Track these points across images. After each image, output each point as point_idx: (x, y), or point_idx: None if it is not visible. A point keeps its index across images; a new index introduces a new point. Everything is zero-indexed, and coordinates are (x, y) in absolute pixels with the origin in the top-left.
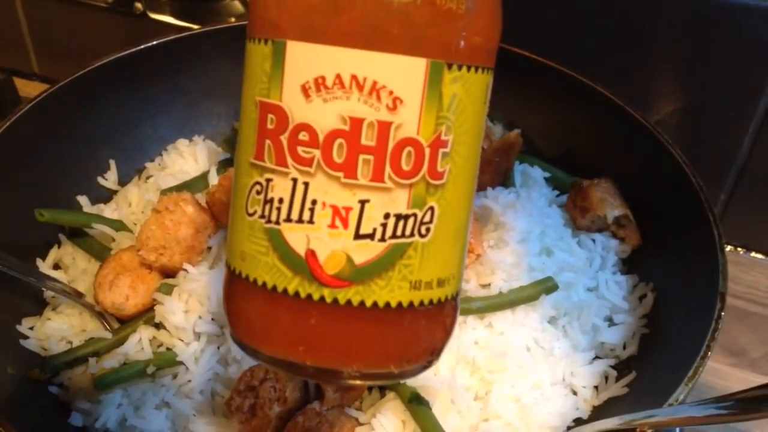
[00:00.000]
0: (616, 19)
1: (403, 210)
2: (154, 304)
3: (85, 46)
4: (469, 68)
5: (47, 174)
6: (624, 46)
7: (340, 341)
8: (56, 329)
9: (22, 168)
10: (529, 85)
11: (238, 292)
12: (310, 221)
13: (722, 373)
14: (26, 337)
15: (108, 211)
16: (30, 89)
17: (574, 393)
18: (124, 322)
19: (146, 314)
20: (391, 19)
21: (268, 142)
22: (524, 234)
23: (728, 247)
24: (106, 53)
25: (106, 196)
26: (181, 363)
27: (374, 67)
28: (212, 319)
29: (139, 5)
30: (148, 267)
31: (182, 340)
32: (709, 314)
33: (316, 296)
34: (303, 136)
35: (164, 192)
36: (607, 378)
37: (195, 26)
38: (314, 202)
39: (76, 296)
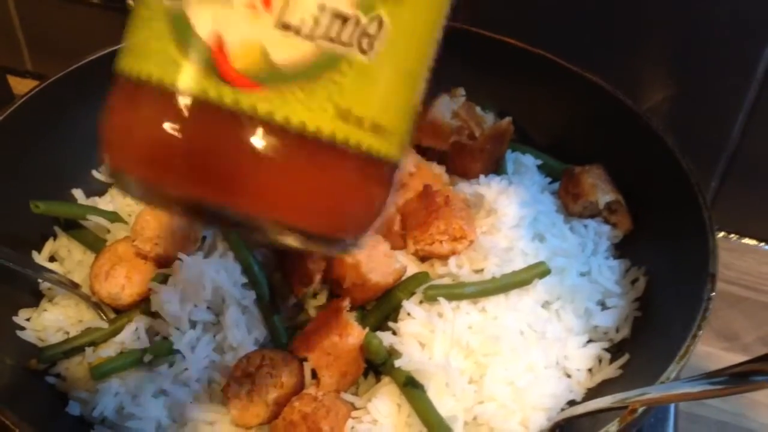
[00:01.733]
0: (607, 7)
1: (344, 6)
2: (149, 293)
3: (78, 43)
4: None
5: (41, 168)
6: (614, 34)
7: (238, 163)
8: (53, 320)
9: (15, 162)
10: (520, 74)
11: (123, 98)
12: None
13: (715, 358)
14: (23, 328)
15: (103, 203)
16: (23, 87)
17: (568, 376)
18: (120, 312)
19: (142, 304)
20: None
21: None
22: (517, 220)
23: (720, 234)
24: (100, 50)
25: (100, 189)
26: (177, 351)
27: None
28: (207, 307)
29: (131, 1)
30: (143, 257)
31: (178, 329)
32: (700, 295)
33: (212, 93)
34: None
35: None
36: (600, 361)
37: None
38: None
39: (72, 287)
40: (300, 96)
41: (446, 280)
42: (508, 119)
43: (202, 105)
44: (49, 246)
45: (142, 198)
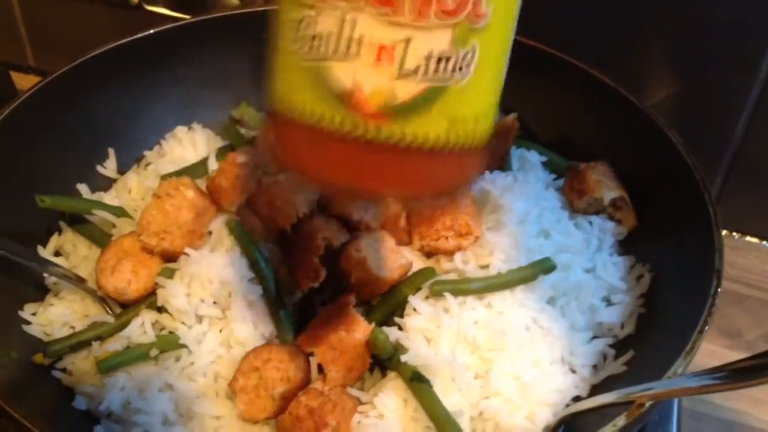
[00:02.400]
0: (611, 4)
1: (446, 49)
2: (155, 288)
3: (81, 39)
4: None
5: (46, 163)
6: (618, 31)
7: (381, 169)
8: (59, 315)
9: (20, 157)
10: (525, 71)
11: (288, 127)
12: (357, 57)
13: (719, 355)
14: (29, 323)
15: (108, 198)
16: (26, 83)
17: (573, 371)
18: (126, 307)
19: (148, 298)
20: None
21: None
22: (522, 216)
23: (723, 232)
24: (102, 45)
25: (105, 184)
26: (183, 346)
27: None
28: (214, 302)
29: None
30: (149, 252)
31: (184, 323)
32: (705, 291)
33: (359, 129)
34: None
35: (164, 177)
36: (605, 357)
37: (190, 17)
38: (361, 39)
39: (78, 281)
40: (421, 119)
41: (452, 276)
42: (513, 115)
43: (351, 133)
44: (54, 241)
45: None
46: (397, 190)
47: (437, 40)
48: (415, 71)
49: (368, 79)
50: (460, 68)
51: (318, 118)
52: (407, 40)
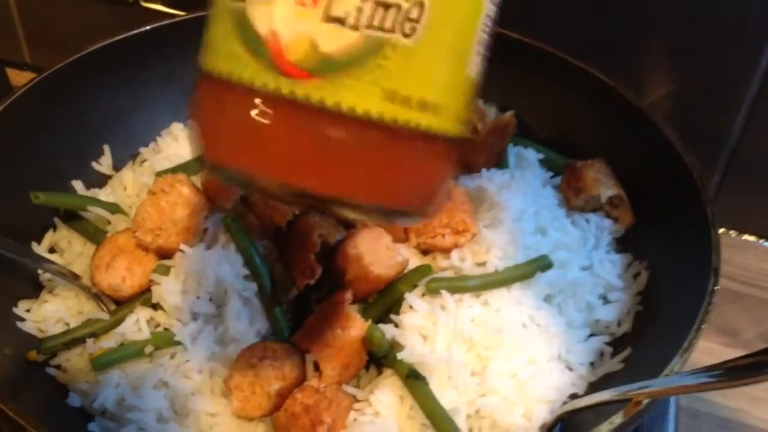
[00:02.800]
0: (609, 1)
1: None
2: (150, 285)
3: (77, 36)
4: None
5: (41, 159)
6: (617, 28)
7: (298, 148)
8: (53, 311)
9: (14, 154)
10: (522, 68)
11: (204, 94)
12: None
13: (716, 353)
14: (23, 320)
15: (103, 195)
16: (21, 79)
17: (570, 369)
18: (121, 304)
19: (143, 295)
20: None
21: None
22: (519, 214)
23: (721, 230)
24: (98, 41)
25: (100, 181)
26: (178, 343)
27: None
28: (209, 299)
29: None
30: (144, 248)
31: (180, 320)
32: (702, 289)
33: (271, 86)
34: None
35: (159, 174)
36: (602, 354)
37: (186, 14)
38: None
39: (73, 278)
40: (348, 82)
41: (448, 273)
42: (510, 113)
43: (264, 97)
44: (49, 237)
45: (235, 185)
46: (320, 183)
47: None
48: (345, 17)
49: (288, 23)
50: (403, 25)
51: (229, 72)
52: None
